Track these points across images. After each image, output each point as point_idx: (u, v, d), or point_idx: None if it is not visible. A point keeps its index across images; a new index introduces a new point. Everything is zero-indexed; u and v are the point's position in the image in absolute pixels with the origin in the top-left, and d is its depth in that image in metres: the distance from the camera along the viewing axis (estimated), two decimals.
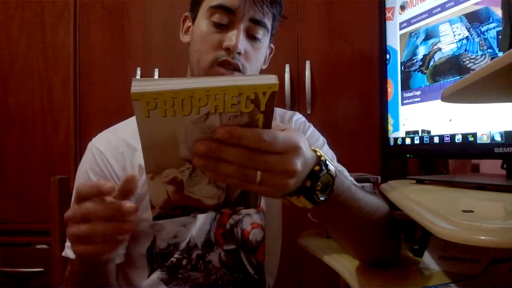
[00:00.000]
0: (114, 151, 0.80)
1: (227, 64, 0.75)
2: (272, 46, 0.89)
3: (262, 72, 0.89)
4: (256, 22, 0.77)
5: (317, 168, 0.51)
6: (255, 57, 0.79)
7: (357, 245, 0.73)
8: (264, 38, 0.80)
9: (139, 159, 0.79)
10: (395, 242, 0.76)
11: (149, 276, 0.79)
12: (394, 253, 0.77)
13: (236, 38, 0.74)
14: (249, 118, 0.44)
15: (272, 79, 0.42)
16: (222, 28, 0.76)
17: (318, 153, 0.52)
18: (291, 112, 0.94)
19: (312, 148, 0.53)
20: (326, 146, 0.89)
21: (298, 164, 0.47)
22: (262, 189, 0.47)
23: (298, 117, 0.92)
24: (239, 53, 0.75)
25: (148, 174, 0.45)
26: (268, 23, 0.79)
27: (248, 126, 0.44)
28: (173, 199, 0.46)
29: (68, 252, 0.75)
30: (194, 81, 0.41)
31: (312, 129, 0.91)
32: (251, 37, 0.78)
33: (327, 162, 0.52)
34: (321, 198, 0.52)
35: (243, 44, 0.75)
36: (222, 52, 0.75)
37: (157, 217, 0.50)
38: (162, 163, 0.45)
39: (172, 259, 0.79)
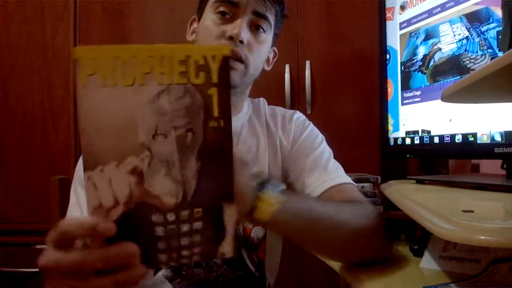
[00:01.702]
0: None
1: None
2: (276, 50, 0.91)
3: (265, 74, 0.89)
4: (259, 15, 0.79)
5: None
6: (258, 49, 0.81)
7: (339, 254, 0.71)
8: (268, 32, 0.82)
9: None
10: (386, 245, 0.74)
11: (155, 274, 0.80)
12: (385, 255, 0.75)
13: (239, 27, 0.76)
14: (202, 96, 0.40)
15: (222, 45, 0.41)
16: (226, 20, 0.78)
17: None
18: (292, 111, 0.94)
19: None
20: (325, 143, 0.90)
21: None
22: None
23: (298, 115, 0.93)
24: (241, 42, 0.76)
25: (112, 162, 0.40)
26: (271, 18, 0.81)
27: (203, 108, 0.40)
28: (135, 193, 0.41)
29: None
30: (139, 46, 0.39)
31: (311, 127, 0.92)
32: (255, 28, 0.80)
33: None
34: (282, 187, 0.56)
35: (246, 34, 0.77)
36: (225, 41, 0.77)
37: (122, 216, 0.41)
38: (123, 150, 0.40)
39: None
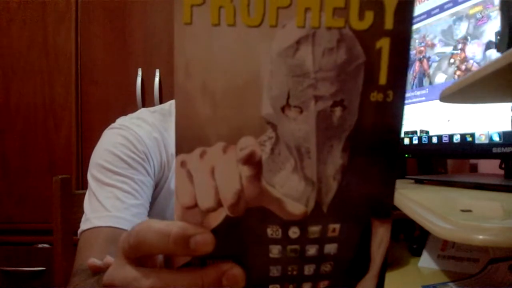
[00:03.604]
0: (148, 134, 0.75)
1: None
2: None
3: None
4: None
5: None
6: None
7: None
8: None
9: (171, 147, 0.75)
10: None
11: None
12: None
13: None
14: (365, 50, 0.25)
15: None
16: None
17: None
18: None
19: None
20: None
21: None
22: None
23: None
24: None
25: (218, 144, 0.26)
26: None
27: (363, 71, 0.26)
28: (247, 192, 0.27)
29: (95, 222, 0.67)
30: None
31: None
32: None
33: None
34: None
35: None
36: None
37: (224, 224, 0.28)
38: (237, 125, 0.26)
39: None
